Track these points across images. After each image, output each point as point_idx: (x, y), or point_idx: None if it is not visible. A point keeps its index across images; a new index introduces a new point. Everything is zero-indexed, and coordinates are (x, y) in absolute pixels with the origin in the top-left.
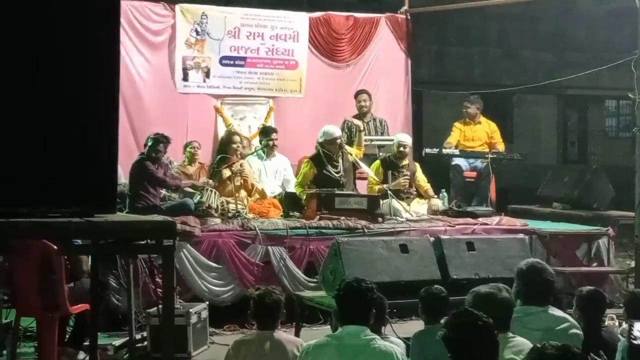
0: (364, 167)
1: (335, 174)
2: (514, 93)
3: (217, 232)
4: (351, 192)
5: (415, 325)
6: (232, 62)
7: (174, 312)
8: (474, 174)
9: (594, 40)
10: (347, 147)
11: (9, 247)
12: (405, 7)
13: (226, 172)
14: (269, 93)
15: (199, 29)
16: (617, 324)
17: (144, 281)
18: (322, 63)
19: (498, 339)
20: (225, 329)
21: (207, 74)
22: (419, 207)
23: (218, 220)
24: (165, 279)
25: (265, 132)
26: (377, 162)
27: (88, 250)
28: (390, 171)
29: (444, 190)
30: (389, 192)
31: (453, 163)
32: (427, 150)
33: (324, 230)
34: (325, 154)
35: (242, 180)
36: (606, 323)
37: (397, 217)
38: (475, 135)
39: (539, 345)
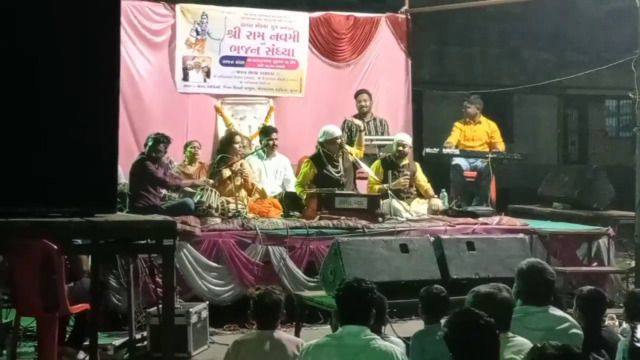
0: (364, 166)
1: (336, 174)
2: (514, 93)
3: (217, 232)
4: (351, 192)
5: (415, 325)
6: (232, 62)
7: (174, 311)
8: (474, 173)
9: (594, 40)
10: (347, 146)
11: (10, 247)
12: (406, 7)
13: (226, 172)
14: (269, 93)
15: (199, 29)
16: (617, 323)
17: (144, 281)
18: (323, 63)
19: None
20: (225, 329)
21: (207, 74)
22: (419, 206)
23: (218, 220)
24: (165, 278)
25: (266, 132)
26: (377, 161)
27: (88, 250)
28: (390, 171)
29: (444, 190)
30: (389, 191)
31: (453, 163)
32: (428, 150)
33: (324, 230)
34: (326, 154)
35: (242, 180)
36: (606, 323)
37: (397, 217)
38: (476, 135)
39: (539, 345)
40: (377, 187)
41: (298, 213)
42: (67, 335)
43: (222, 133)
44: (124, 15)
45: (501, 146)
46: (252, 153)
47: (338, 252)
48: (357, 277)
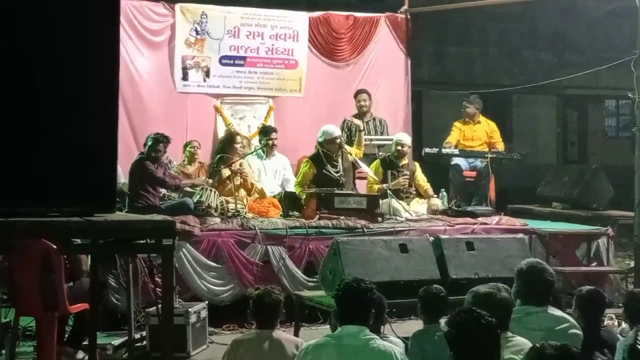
0: (363, 166)
1: (335, 174)
2: (513, 93)
3: (217, 232)
4: (351, 192)
5: (414, 325)
6: (231, 62)
7: (173, 311)
8: (473, 173)
9: (593, 40)
10: (346, 146)
11: (10, 247)
12: (405, 7)
13: (226, 172)
14: (268, 92)
15: (198, 29)
16: (616, 323)
17: (143, 280)
18: (322, 62)
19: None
20: (225, 329)
21: (206, 74)
22: (418, 206)
23: (217, 220)
24: (164, 278)
25: (265, 132)
26: (377, 161)
27: (87, 250)
28: (389, 171)
29: (443, 189)
30: (388, 191)
31: (452, 163)
32: (427, 149)
33: (323, 230)
34: (325, 154)
35: (241, 180)
36: (605, 323)
37: (397, 217)
38: (475, 135)
39: (538, 345)
40: (376, 187)
41: (297, 213)
42: (66, 335)
43: (221, 133)
44: (124, 14)
45: (500, 146)
46: (252, 153)
47: (337, 252)
48: (357, 277)
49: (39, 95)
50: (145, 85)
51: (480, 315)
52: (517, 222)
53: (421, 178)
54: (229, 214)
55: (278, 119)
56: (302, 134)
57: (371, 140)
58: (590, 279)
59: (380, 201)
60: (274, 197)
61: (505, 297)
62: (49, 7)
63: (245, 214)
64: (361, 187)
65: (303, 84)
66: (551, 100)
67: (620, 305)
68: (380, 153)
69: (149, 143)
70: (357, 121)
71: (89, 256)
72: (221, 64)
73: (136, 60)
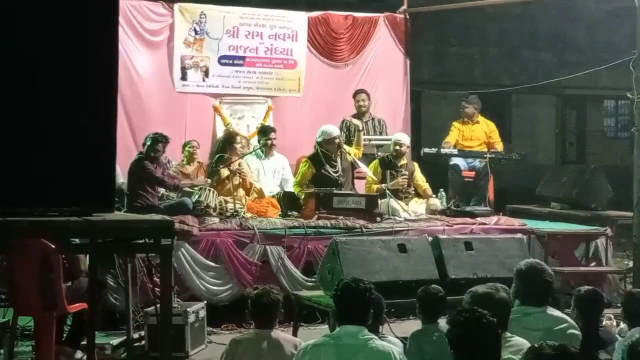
0: (362, 166)
1: (334, 174)
2: (512, 93)
3: (215, 232)
4: (349, 192)
5: (413, 325)
6: (230, 62)
7: (171, 311)
8: (472, 173)
9: (593, 40)
10: (345, 146)
11: (9, 247)
12: (404, 7)
13: (224, 172)
14: (267, 92)
15: (197, 28)
16: (614, 323)
17: (142, 280)
18: (321, 62)
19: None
20: (223, 329)
21: (205, 73)
22: (417, 206)
23: (216, 220)
24: (163, 278)
25: (264, 132)
26: (376, 161)
27: (86, 249)
28: (388, 171)
29: (442, 189)
30: (387, 191)
31: (451, 163)
32: (426, 149)
33: (322, 230)
34: (324, 154)
35: (240, 180)
36: (604, 323)
37: (396, 217)
38: (474, 135)
39: (536, 345)
40: (375, 187)
41: (296, 213)
42: (65, 335)
43: (220, 133)
44: (123, 14)
45: (499, 146)
46: (251, 153)
47: (336, 252)
48: (355, 277)
49: (38, 95)
50: (144, 85)
51: (482, 314)
52: (516, 222)
53: (420, 178)
54: (228, 213)
55: (277, 118)
56: (301, 134)
57: (370, 140)
58: (589, 279)
59: (379, 201)
60: (273, 197)
61: (504, 297)
62: (49, 7)
63: (244, 213)
64: (360, 187)
65: (302, 84)
66: (550, 100)
67: (619, 305)
68: (379, 153)
69: (148, 143)
70: (356, 121)
71: (88, 256)
72: (220, 63)
73: (135, 60)
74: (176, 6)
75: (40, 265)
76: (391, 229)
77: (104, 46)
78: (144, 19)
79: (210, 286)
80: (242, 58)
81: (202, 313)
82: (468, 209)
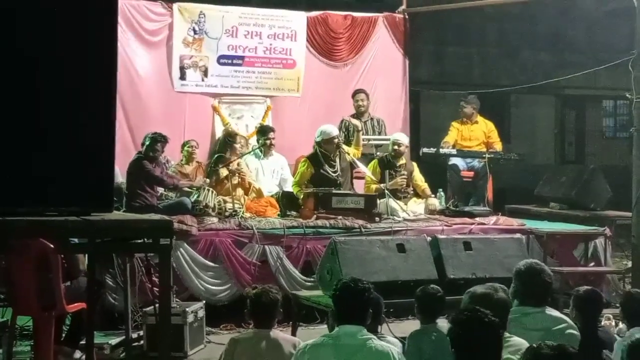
0: (361, 166)
1: (333, 174)
2: (511, 93)
3: (214, 231)
4: (348, 192)
5: (411, 325)
6: (229, 61)
7: (170, 311)
8: (471, 173)
9: (592, 40)
10: (344, 146)
11: (7, 247)
12: (403, 7)
13: (223, 171)
14: (266, 92)
15: (196, 28)
16: (613, 323)
17: (141, 280)
18: (320, 62)
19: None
20: (222, 328)
21: (204, 73)
22: (416, 206)
23: (215, 219)
24: (162, 278)
25: (263, 131)
26: (374, 161)
27: (85, 249)
28: (387, 171)
29: (441, 189)
30: (386, 191)
31: (450, 163)
32: (425, 149)
33: (321, 230)
34: (323, 154)
35: (239, 179)
36: (603, 323)
37: (394, 217)
38: (473, 135)
39: (534, 345)
40: (374, 186)
41: (295, 212)
42: (64, 335)
43: (219, 132)
44: (122, 14)
45: (498, 146)
46: (250, 152)
47: (335, 252)
48: (354, 277)
49: (39, 95)
50: (143, 84)
51: (484, 314)
52: (515, 222)
53: (419, 178)
54: (227, 213)
55: (276, 118)
56: (300, 134)
57: (369, 140)
58: (588, 279)
59: (378, 201)
60: (272, 196)
61: (502, 298)
62: (48, 7)
63: (242, 213)
64: (359, 187)
65: (301, 84)
66: (549, 100)
67: (618, 305)
68: (378, 153)
69: (147, 142)
70: (355, 121)
71: (87, 255)
72: (219, 63)
73: (134, 59)
74: (175, 6)
75: (39, 265)
76: (390, 229)
77: (103, 46)
78: (143, 18)
79: (209, 286)
80: (241, 58)
81: (201, 313)
82: (467, 209)
